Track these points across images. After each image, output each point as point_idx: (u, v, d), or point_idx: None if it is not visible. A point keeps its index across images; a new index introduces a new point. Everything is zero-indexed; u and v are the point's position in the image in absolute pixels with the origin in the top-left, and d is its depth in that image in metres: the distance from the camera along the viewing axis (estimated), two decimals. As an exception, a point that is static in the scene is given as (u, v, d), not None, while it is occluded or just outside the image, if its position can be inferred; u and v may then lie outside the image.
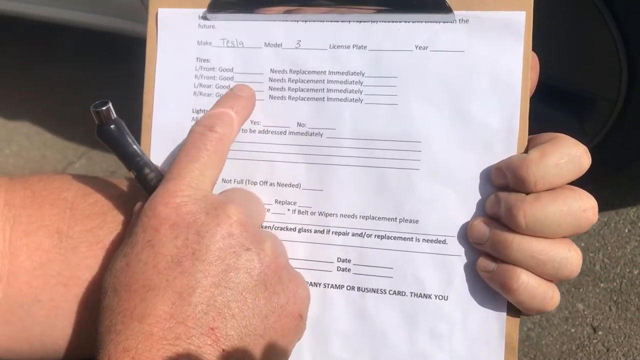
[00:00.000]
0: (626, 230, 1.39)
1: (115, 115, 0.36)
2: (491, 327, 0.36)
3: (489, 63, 0.36)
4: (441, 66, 0.37)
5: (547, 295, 0.34)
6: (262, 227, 0.39)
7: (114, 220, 0.41)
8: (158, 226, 0.34)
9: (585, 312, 1.31)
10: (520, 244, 0.33)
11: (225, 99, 0.39)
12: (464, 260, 0.37)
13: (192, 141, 0.37)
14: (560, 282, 0.35)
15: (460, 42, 0.37)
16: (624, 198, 1.45)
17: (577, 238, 1.40)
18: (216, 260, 0.33)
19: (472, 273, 0.36)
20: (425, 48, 0.37)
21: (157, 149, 0.41)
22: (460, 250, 0.37)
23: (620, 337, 1.27)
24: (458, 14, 0.37)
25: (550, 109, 1.19)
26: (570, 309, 1.32)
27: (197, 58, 0.40)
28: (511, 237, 0.34)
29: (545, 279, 0.34)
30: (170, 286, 0.32)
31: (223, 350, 0.31)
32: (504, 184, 0.35)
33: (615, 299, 1.31)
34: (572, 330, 1.29)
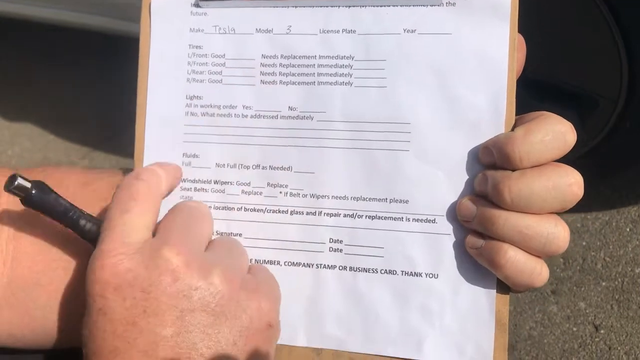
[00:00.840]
0: (628, 229, 1.39)
1: (29, 184, 0.35)
2: (481, 304, 0.37)
3: (476, 45, 0.37)
4: (429, 49, 0.38)
5: (535, 271, 0.34)
6: (213, 233, 0.40)
7: None
8: (103, 292, 0.33)
9: (587, 311, 1.31)
10: (507, 220, 0.34)
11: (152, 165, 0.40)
12: (453, 238, 0.37)
13: (120, 193, 0.37)
14: (548, 257, 0.35)
15: (448, 25, 0.37)
16: (626, 197, 1.45)
17: (579, 237, 1.40)
18: (169, 309, 0.33)
19: (462, 251, 0.37)
20: (413, 31, 0.38)
21: (151, 136, 0.41)
22: (449, 228, 0.37)
23: (622, 335, 1.27)
24: None
25: (551, 107, 1.19)
26: (572, 307, 1.32)
27: (189, 45, 0.41)
28: (498, 213, 0.34)
29: (533, 255, 0.35)
30: (134, 347, 0.32)
31: None
32: (491, 162, 0.36)
33: (617, 297, 1.31)
34: (574, 329, 1.29)
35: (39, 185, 0.36)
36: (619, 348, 1.26)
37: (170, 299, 0.33)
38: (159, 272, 0.33)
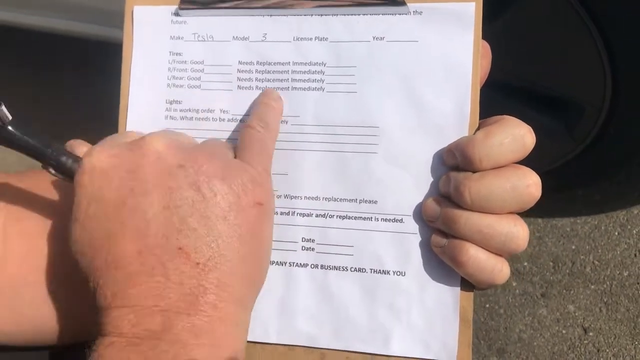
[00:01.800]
0: (616, 233, 1.41)
1: (10, 116, 0.35)
2: (446, 301, 0.38)
3: (441, 52, 0.39)
4: (397, 55, 0.39)
5: (496, 269, 0.36)
6: None
7: None
8: (90, 179, 0.35)
9: (576, 314, 1.32)
10: (467, 220, 0.35)
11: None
12: (419, 237, 0.39)
13: None
14: (509, 255, 0.37)
15: (415, 33, 0.39)
16: (614, 201, 1.46)
17: (568, 241, 1.41)
18: (155, 187, 0.34)
19: (428, 250, 0.38)
20: (382, 39, 0.40)
21: None
22: (416, 228, 0.39)
23: (611, 337, 1.28)
24: (412, 6, 0.39)
25: (537, 114, 1.21)
26: (561, 310, 1.33)
27: (170, 52, 0.43)
28: (459, 213, 0.36)
29: (494, 253, 0.36)
30: (126, 227, 0.33)
31: (197, 263, 0.33)
32: (454, 164, 0.37)
33: (605, 300, 1.32)
34: (564, 331, 1.31)
35: (17, 121, 0.36)
36: (607, 350, 1.27)
37: (156, 178, 0.34)
38: (142, 152, 0.35)
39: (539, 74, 1.19)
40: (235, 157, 0.38)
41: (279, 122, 0.40)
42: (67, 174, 0.37)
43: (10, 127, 0.35)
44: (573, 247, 1.41)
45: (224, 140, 0.41)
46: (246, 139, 0.38)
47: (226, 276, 0.33)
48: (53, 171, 0.37)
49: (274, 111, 0.40)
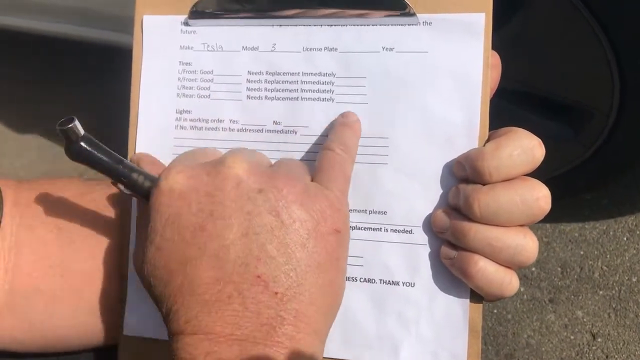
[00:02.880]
0: (625, 239, 1.40)
1: (83, 132, 0.35)
2: (455, 313, 0.38)
3: (451, 62, 0.39)
4: (406, 66, 0.39)
5: (505, 281, 0.36)
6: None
7: (107, 215, 0.44)
8: (168, 202, 0.34)
9: (585, 320, 1.31)
10: (477, 232, 0.35)
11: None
12: (429, 249, 0.39)
13: None
14: (518, 268, 0.36)
15: (424, 43, 0.39)
16: (623, 207, 1.45)
17: (576, 246, 1.40)
18: (235, 212, 0.33)
19: (437, 261, 0.38)
20: (391, 49, 0.40)
21: (142, 148, 0.43)
22: (425, 239, 0.39)
23: (619, 343, 1.27)
24: (422, 17, 0.39)
25: (545, 120, 1.21)
26: (569, 316, 1.32)
27: (179, 62, 0.43)
28: (469, 226, 0.36)
29: (503, 265, 0.36)
30: (205, 252, 0.33)
31: (276, 293, 0.32)
32: (464, 176, 0.37)
33: (614, 306, 1.32)
34: (572, 337, 1.30)
35: (89, 138, 0.35)
36: (616, 356, 1.26)
37: (235, 202, 0.33)
38: (222, 177, 0.34)
39: (547, 80, 1.18)
40: (312, 179, 0.37)
41: (357, 144, 0.39)
42: (140, 192, 0.36)
43: (82, 143, 0.35)
44: (581, 252, 1.40)
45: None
46: (325, 162, 0.37)
47: (304, 306, 0.33)
48: (124, 188, 0.36)
49: (353, 133, 0.39)
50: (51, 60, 2.32)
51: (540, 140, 0.36)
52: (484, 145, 0.37)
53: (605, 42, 1.03)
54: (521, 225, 0.36)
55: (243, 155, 0.36)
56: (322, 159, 0.38)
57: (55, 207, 0.44)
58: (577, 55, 1.11)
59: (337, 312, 0.36)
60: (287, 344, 0.32)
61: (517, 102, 1.19)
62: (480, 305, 0.38)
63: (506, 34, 1.09)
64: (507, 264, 0.36)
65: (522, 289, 1.36)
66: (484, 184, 0.36)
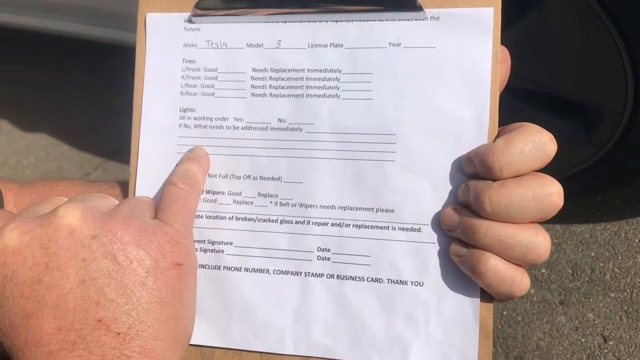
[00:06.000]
0: (637, 240, 1.39)
1: None
2: (466, 312, 0.37)
3: (459, 58, 0.38)
4: (414, 62, 0.38)
5: (516, 279, 0.35)
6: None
7: None
8: (4, 260, 0.34)
9: (596, 322, 1.30)
10: (488, 229, 0.34)
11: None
12: (437, 247, 0.38)
13: None
14: (529, 266, 0.36)
15: (432, 39, 0.38)
16: (634, 208, 1.44)
17: (587, 247, 1.39)
18: (70, 261, 0.33)
19: (447, 260, 0.38)
20: (398, 45, 0.39)
21: (145, 147, 0.42)
22: (434, 237, 0.38)
23: (631, 347, 1.25)
24: (429, 11, 0.38)
25: (558, 120, 1.20)
26: (580, 318, 1.31)
27: (183, 59, 0.42)
28: (479, 223, 0.35)
29: (514, 264, 0.35)
30: (44, 304, 0.33)
31: (118, 333, 0.32)
32: (474, 172, 0.36)
33: (625, 308, 1.30)
34: (583, 340, 1.28)
35: None
36: (627, 359, 1.25)
37: (69, 251, 0.33)
38: (54, 228, 0.34)
39: (559, 79, 1.17)
40: (156, 215, 0.38)
41: (204, 178, 0.41)
42: None
43: None
44: (592, 254, 1.39)
45: (238, 157, 0.41)
46: (167, 197, 0.38)
47: (149, 342, 0.33)
48: None
49: (199, 167, 0.40)
50: (58, 59, 2.33)
51: (551, 135, 0.35)
52: (493, 141, 0.36)
53: (619, 40, 1.02)
54: (532, 223, 0.35)
55: (77, 203, 0.36)
56: (164, 194, 0.39)
57: None
58: (590, 54, 1.10)
59: (187, 342, 0.37)
60: None
61: (529, 101, 1.18)
62: (491, 305, 0.37)
63: (518, 31, 1.08)
64: (518, 262, 0.35)
65: (532, 291, 1.35)
66: (494, 180, 0.35)
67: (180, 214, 0.38)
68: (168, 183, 0.39)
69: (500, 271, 0.35)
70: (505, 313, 1.34)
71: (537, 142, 0.34)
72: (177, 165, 0.41)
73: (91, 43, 1.54)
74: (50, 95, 2.23)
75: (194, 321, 0.37)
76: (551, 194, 0.34)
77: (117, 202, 0.39)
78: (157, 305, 0.34)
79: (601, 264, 1.37)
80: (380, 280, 0.38)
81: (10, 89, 2.30)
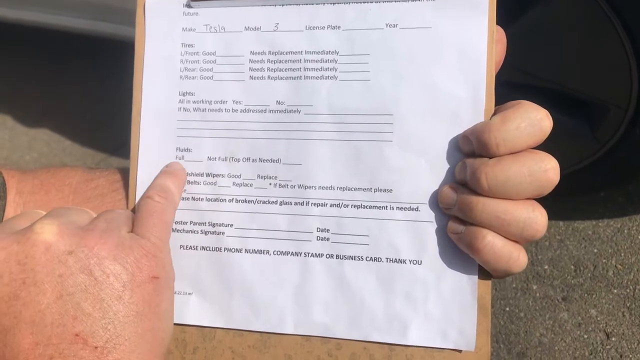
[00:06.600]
0: (639, 237, 1.38)
1: None
2: (464, 290, 0.37)
3: (455, 38, 0.38)
4: (410, 42, 0.39)
5: (513, 256, 0.35)
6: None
7: (112, 200, 0.44)
8: None
9: (599, 318, 1.30)
10: (484, 206, 0.35)
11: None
12: (435, 225, 0.38)
13: None
14: (526, 242, 0.36)
15: (428, 19, 0.39)
16: (637, 204, 1.44)
17: (590, 244, 1.39)
18: (47, 276, 0.33)
19: (444, 238, 0.38)
20: (395, 26, 0.39)
21: (145, 132, 0.43)
22: (432, 216, 0.38)
23: (634, 343, 1.25)
24: None
25: (562, 115, 1.20)
26: (583, 314, 1.31)
27: (182, 43, 0.43)
28: (476, 200, 0.35)
29: (511, 240, 0.35)
30: (21, 320, 0.33)
31: (95, 347, 0.33)
32: (470, 150, 0.37)
33: (628, 305, 1.30)
34: (585, 336, 1.28)
35: None
36: (630, 356, 1.24)
37: (46, 267, 0.34)
38: (30, 244, 0.34)
39: (563, 74, 1.17)
40: (132, 227, 0.38)
41: (181, 191, 0.42)
42: None
43: None
44: (595, 250, 1.38)
45: (237, 139, 0.41)
46: (144, 210, 0.39)
47: (126, 355, 0.33)
48: None
49: (175, 179, 0.41)
50: (60, 54, 2.34)
51: (547, 112, 0.35)
52: (490, 119, 0.37)
53: (624, 35, 1.02)
54: (529, 199, 0.35)
55: (53, 219, 0.36)
56: (141, 207, 0.39)
57: (59, 194, 0.44)
58: (594, 49, 1.10)
59: (165, 354, 0.37)
60: None
61: (532, 96, 1.18)
62: (489, 282, 0.37)
63: (522, 26, 1.08)
64: (515, 238, 0.35)
65: (534, 287, 1.35)
66: (490, 157, 0.35)
67: (157, 227, 0.38)
68: (144, 196, 0.40)
69: (498, 247, 0.35)
70: (507, 309, 1.34)
71: (532, 119, 0.35)
72: (154, 179, 0.41)
73: (94, 39, 1.54)
74: (53, 91, 2.24)
75: (171, 333, 0.38)
76: (547, 169, 0.34)
77: (94, 215, 0.39)
78: (134, 318, 0.34)
79: (604, 261, 1.37)
80: (379, 260, 0.39)
81: (13, 84, 2.31)
